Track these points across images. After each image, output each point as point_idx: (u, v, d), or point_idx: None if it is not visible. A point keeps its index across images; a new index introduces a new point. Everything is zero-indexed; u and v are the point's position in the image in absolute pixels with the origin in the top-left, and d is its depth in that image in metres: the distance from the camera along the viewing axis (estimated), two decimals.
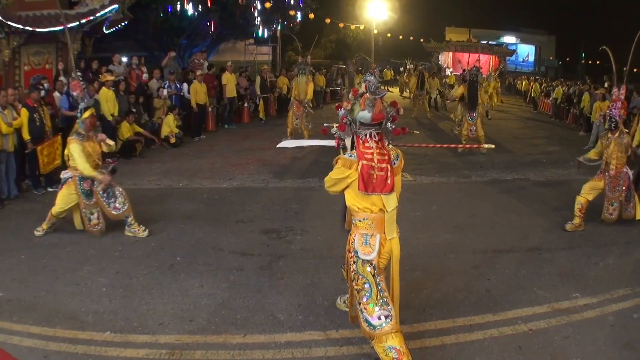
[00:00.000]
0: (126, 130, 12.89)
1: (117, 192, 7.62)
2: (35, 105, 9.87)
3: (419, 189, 10.41)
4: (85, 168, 7.38)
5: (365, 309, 4.32)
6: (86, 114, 7.44)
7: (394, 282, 4.44)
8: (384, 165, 4.23)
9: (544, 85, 30.99)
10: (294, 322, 5.38)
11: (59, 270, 6.53)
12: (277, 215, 8.69)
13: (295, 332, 5.21)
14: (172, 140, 14.32)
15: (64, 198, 7.63)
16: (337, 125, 4.58)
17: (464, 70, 18.02)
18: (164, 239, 7.65)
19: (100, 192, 7.54)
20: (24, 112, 9.56)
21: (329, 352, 4.88)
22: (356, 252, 4.38)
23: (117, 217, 7.66)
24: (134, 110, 13.52)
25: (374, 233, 4.35)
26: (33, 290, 6.00)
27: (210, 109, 17.03)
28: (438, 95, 25.51)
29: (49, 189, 9.92)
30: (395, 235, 4.43)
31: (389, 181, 4.24)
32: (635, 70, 9.48)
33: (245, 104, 19.64)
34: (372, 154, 4.23)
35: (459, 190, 10.57)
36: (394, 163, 4.32)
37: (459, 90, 15.05)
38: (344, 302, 5.56)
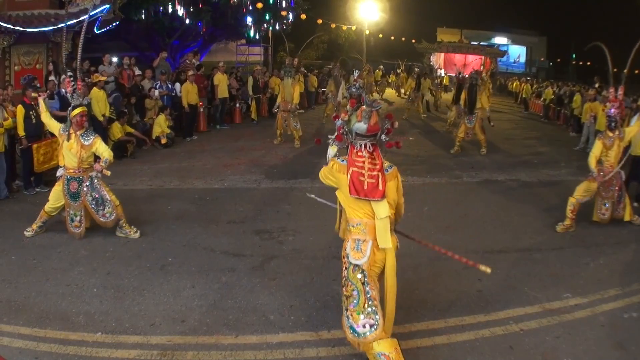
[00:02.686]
0: (117, 130, 12.84)
1: (106, 201, 7.58)
2: (32, 102, 9.81)
3: (410, 189, 10.41)
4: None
5: (351, 315, 4.41)
6: (75, 112, 7.38)
7: (389, 292, 4.49)
8: (374, 173, 4.37)
9: (535, 86, 31.12)
10: (285, 323, 5.38)
11: (49, 271, 6.50)
12: (269, 216, 8.68)
13: (287, 332, 5.22)
14: (164, 140, 14.27)
15: (55, 194, 7.62)
16: (333, 136, 4.74)
17: (459, 74, 18.03)
18: (155, 239, 7.63)
19: (89, 199, 7.51)
20: (20, 109, 9.52)
21: (320, 353, 4.89)
22: (348, 257, 4.48)
23: (106, 225, 7.61)
24: (126, 110, 13.47)
25: (366, 239, 4.45)
26: (23, 291, 5.97)
27: (201, 110, 16.99)
28: (430, 96, 25.50)
29: (37, 189, 9.87)
30: (391, 246, 4.45)
31: (380, 187, 4.35)
32: (625, 71, 9.57)
33: (237, 105, 19.61)
34: (363, 162, 4.41)
35: (450, 191, 10.59)
36: (387, 171, 4.46)
37: (462, 95, 14.83)
38: None
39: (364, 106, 4.41)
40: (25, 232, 7.65)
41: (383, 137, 4.53)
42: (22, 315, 5.44)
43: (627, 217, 8.36)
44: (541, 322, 5.44)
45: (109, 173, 7.60)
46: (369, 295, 4.37)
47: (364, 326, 4.33)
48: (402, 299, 5.81)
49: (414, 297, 5.92)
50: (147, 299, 5.86)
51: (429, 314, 5.58)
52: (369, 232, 4.44)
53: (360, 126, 4.38)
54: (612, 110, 8.13)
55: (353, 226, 4.50)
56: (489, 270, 4.73)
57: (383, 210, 4.39)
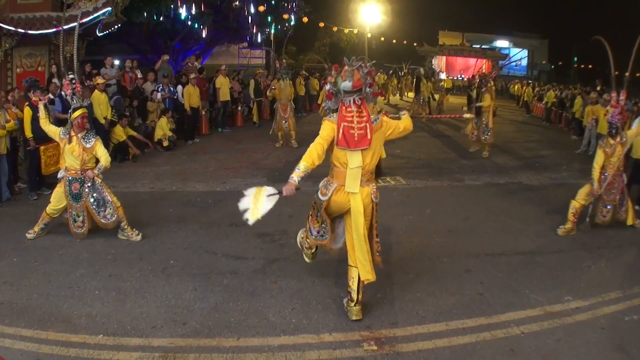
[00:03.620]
0: (120, 133, 12.84)
1: (107, 202, 7.59)
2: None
3: (412, 192, 10.43)
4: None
5: (312, 222, 5.74)
6: (76, 114, 7.43)
7: (354, 233, 5.32)
8: (362, 124, 5.14)
9: (536, 89, 31.12)
10: (287, 326, 5.39)
11: (51, 274, 6.51)
12: (271, 219, 8.60)
13: (288, 335, 5.22)
14: (165, 143, 14.27)
15: (57, 196, 7.63)
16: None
17: (473, 77, 18.07)
18: (157, 242, 7.64)
19: (91, 200, 7.52)
20: (27, 111, 9.50)
21: (322, 356, 4.89)
22: (318, 190, 5.52)
23: (107, 227, 7.62)
24: (127, 113, 13.47)
25: (332, 182, 5.37)
26: (25, 293, 5.98)
27: (203, 113, 17.00)
28: (430, 99, 25.45)
29: (38, 191, 9.87)
30: (357, 192, 5.26)
31: (368, 136, 5.13)
32: (627, 74, 9.58)
33: (239, 108, 19.62)
34: (352, 116, 5.15)
35: (452, 194, 10.59)
36: (374, 122, 5.20)
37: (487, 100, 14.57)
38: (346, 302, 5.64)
39: (346, 67, 5.13)
40: (27, 234, 7.66)
41: (368, 90, 5.28)
42: (23, 317, 5.45)
43: (629, 222, 8.34)
44: (542, 325, 5.44)
45: (100, 180, 7.60)
46: (323, 217, 5.50)
47: (317, 232, 5.66)
48: (403, 301, 5.86)
49: (415, 299, 5.93)
50: (149, 301, 5.87)
51: (430, 316, 5.58)
52: (336, 177, 5.33)
53: (346, 84, 5.12)
54: (613, 116, 8.11)
55: (331, 169, 5.42)
56: (470, 115, 6.26)
57: (356, 160, 5.17)
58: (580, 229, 8.14)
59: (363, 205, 5.24)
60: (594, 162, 8.17)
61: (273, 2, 27.00)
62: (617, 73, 8.59)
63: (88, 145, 7.46)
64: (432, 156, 14.38)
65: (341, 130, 5.12)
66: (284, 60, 16.42)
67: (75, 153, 7.41)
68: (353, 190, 5.23)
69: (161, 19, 22.12)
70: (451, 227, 8.43)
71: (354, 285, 5.41)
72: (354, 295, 5.42)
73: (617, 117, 8.08)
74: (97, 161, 7.62)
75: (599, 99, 15.93)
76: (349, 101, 5.17)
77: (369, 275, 5.30)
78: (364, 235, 5.28)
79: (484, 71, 15.68)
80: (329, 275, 6.49)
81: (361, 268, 5.29)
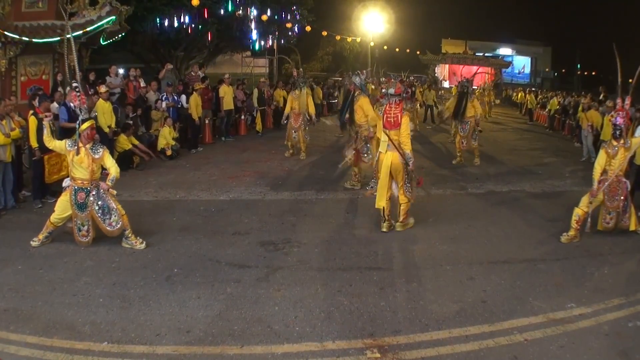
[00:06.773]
0: (124, 142, 12.87)
1: (112, 210, 7.62)
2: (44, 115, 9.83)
3: (415, 201, 10.42)
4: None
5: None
6: (85, 125, 7.47)
7: (393, 178, 8.44)
8: (397, 115, 8.23)
9: (539, 96, 31.12)
10: (290, 334, 5.39)
11: (56, 281, 6.53)
12: (274, 228, 8.70)
13: (292, 343, 5.22)
14: (169, 152, 14.29)
15: (61, 205, 7.64)
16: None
17: (458, 82, 18.09)
18: (161, 250, 7.66)
19: (96, 208, 7.55)
20: (33, 120, 9.49)
21: None
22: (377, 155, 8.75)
23: (112, 234, 7.63)
24: (131, 122, 13.50)
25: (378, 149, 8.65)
26: (30, 301, 6.00)
27: (207, 121, 17.02)
28: (434, 107, 25.45)
29: (43, 199, 9.90)
30: (383, 152, 8.38)
31: (399, 122, 8.19)
32: (630, 80, 9.64)
33: (242, 117, 19.64)
34: (391, 110, 8.28)
35: (455, 202, 10.60)
36: (404, 113, 8.32)
37: (450, 102, 15.16)
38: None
39: (392, 79, 8.37)
40: (31, 242, 7.68)
41: (404, 95, 8.69)
42: (28, 324, 5.47)
43: (632, 227, 8.33)
44: (545, 332, 5.44)
45: (114, 192, 7.65)
46: (374, 173, 9.22)
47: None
48: (407, 309, 5.87)
49: (418, 307, 5.94)
50: (153, 309, 5.89)
51: (433, 324, 5.59)
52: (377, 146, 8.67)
53: (391, 90, 8.41)
54: (618, 119, 8.13)
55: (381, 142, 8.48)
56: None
57: (384, 136, 8.30)
58: (583, 235, 8.14)
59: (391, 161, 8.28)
60: (596, 162, 8.27)
61: (276, 11, 27.08)
62: (621, 80, 8.61)
63: (97, 156, 7.50)
64: (435, 164, 14.38)
65: (384, 118, 8.27)
66: (300, 70, 16.34)
67: (84, 164, 7.45)
68: (381, 150, 8.39)
69: (165, 26, 22.20)
70: (454, 235, 8.44)
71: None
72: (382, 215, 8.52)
73: (622, 120, 8.10)
74: (103, 170, 7.67)
75: (591, 105, 15.97)
76: (393, 101, 8.35)
77: (378, 203, 8.42)
78: (384, 178, 8.32)
79: (465, 77, 15.62)
80: (332, 283, 6.50)
81: (377, 197, 8.47)
